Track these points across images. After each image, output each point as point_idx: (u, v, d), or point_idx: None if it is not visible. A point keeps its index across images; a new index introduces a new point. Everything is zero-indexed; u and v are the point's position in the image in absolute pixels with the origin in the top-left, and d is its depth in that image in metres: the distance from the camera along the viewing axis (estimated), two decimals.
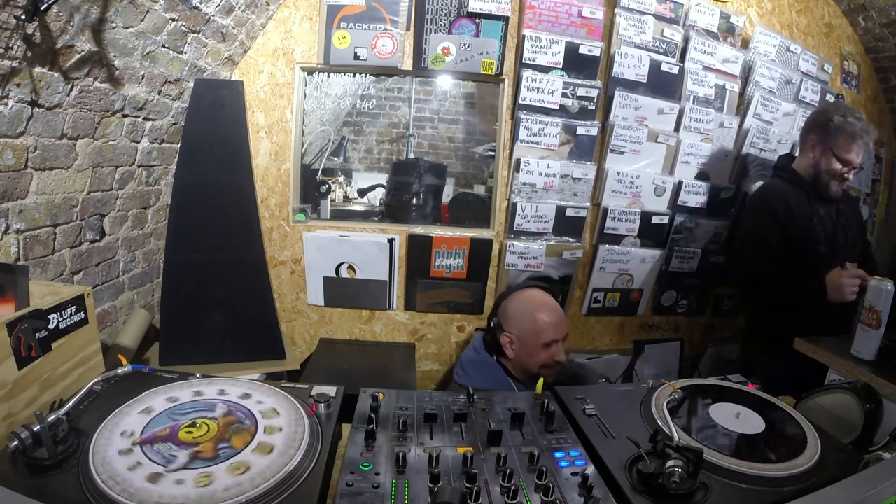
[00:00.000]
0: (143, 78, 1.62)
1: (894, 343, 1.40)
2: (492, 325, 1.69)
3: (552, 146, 2.26)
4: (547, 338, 1.58)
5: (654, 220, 2.42)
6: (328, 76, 2.43)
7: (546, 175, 2.28)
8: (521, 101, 2.21)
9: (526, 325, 1.60)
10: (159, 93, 1.74)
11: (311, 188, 2.45)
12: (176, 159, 1.92)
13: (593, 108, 2.28)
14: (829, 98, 2.68)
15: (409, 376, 2.11)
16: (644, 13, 2.27)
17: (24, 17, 1.07)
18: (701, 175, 2.45)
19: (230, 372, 1.67)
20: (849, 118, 1.80)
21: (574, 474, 0.81)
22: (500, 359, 1.66)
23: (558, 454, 0.86)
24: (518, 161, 2.25)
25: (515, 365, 1.63)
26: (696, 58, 2.34)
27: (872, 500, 0.71)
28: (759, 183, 2.35)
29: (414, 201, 2.54)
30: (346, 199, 2.69)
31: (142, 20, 1.46)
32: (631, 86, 2.28)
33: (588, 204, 2.36)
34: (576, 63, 2.22)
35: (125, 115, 1.64)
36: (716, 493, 0.77)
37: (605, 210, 2.35)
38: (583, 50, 2.21)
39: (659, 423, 0.93)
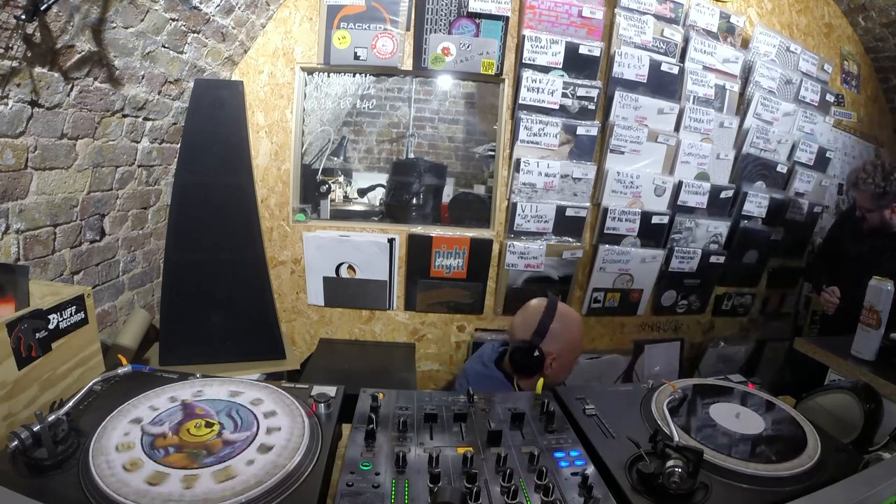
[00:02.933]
0: (143, 78, 1.62)
1: (894, 343, 1.40)
2: (534, 350, 1.46)
3: (552, 146, 2.26)
4: (581, 350, 1.59)
5: (654, 220, 2.42)
6: (328, 76, 2.43)
7: (546, 175, 2.28)
8: (521, 101, 2.21)
9: (570, 341, 1.52)
10: (159, 93, 1.74)
11: (311, 188, 2.46)
12: (176, 159, 1.92)
13: (593, 108, 2.28)
14: (829, 98, 2.68)
15: (409, 376, 2.11)
16: (644, 13, 2.27)
17: (24, 17, 1.07)
18: (701, 175, 2.45)
19: (230, 372, 1.67)
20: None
21: (574, 474, 0.80)
22: (519, 380, 1.52)
23: (558, 454, 0.86)
24: (518, 161, 2.25)
25: (546, 382, 1.54)
26: (696, 58, 2.35)
27: (872, 500, 0.71)
28: None
29: (414, 201, 2.54)
30: (346, 199, 2.69)
31: (142, 20, 1.46)
32: (631, 86, 2.28)
33: (588, 204, 2.36)
34: (576, 63, 2.22)
35: (125, 115, 1.64)
36: (716, 493, 0.77)
37: (605, 210, 2.35)
38: (583, 50, 2.21)
39: (659, 423, 0.93)
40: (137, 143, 1.77)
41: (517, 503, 0.72)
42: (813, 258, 2.80)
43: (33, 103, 1.27)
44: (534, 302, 1.60)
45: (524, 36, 2.16)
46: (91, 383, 0.89)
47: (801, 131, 2.62)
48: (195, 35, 1.74)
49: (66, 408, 0.80)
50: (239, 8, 1.86)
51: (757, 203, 2.55)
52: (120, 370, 0.96)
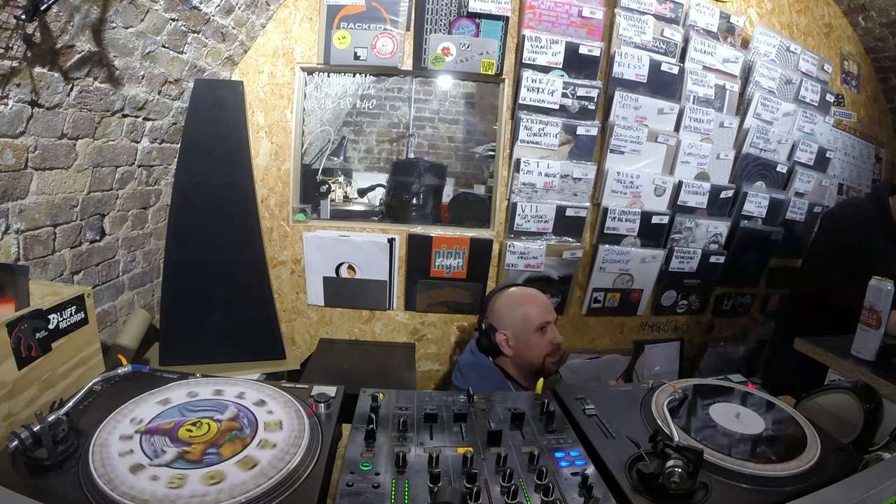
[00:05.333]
0: (143, 78, 1.62)
1: (894, 343, 1.40)
2: (483, 327, 1.70)
3: (552, 146, 2.26)
4: (539, 321, 1.60)
5: (654, 220, 2.42)
6: (328, 76, 2.43)
7: (546, 175, 2.28)
8: (521, 101, 2.21)
9: (516, 317, 1.63)
10: (159, 93, 1.74)
11: (311, 188, 2.45)
12: (176, 159, 1.92)
13: (593, 108, 2.28)
14: (829, 98, 2.68)
15: (409, 376, 2.11)
16: (644, 13, 2.27)
17: (24, 17, 1.07)
18: (701, 175, 2.45)
19: (230, 372, 1.67)
20: None
21: (574, 474, 0.80)
22: (497, 360, 1.66)
23: (558, 454, 0.86)
24: (518, 161, 2.25)
25: (516, 362, 1.63)
26: (696, 58, 2.34)
27: (872, 500, 0.71)
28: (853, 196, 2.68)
29: (414, 201, 2.54)
30: (346, 199, 2.68)
31: (142, 20, 1.46)
32: (631, 86, 2.28)
33: (588, 204, 2.36)
34: (576, 63, 2.22)
35: (125, 115, 1.64)
36: (716, 493, 0.77)
37: (605, 210, 2.35)
38: (583, 50, 2.21)
39: (659, 423, 0.93)
40: (137, 143, 1.77)
41: (517, 503, 0.72)
42: (828, 273, 2.07)
43: (33, 103, 1.27)
44: None
45: (524, 36, 2.16)
46: (91, 383, 0.89)
47: (801, 131, 2.62)
48: (195, 35, 1.74)
49: (66, 408, 0.80)
50: (239, 8, 1.86)
51: (757, 203, 2.55)
52: (120, 370, 0.96)
